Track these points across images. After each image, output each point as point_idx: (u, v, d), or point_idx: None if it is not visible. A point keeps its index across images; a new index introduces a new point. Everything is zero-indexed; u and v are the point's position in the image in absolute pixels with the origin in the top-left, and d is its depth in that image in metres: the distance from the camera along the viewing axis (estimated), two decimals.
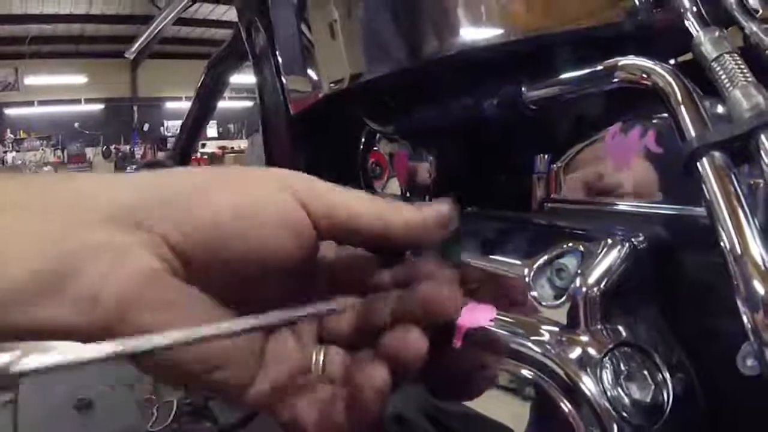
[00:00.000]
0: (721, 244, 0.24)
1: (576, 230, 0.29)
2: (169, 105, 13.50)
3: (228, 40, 0.70)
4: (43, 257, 0.18)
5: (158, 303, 0.18)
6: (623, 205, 0.33)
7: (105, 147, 12.44)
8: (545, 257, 0.27)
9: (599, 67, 0.32)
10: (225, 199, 0.19)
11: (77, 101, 11.60)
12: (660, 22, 0.34)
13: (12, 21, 9.08)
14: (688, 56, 0.32)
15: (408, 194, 0.46)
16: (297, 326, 0.21)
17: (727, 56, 0.29)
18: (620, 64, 0.31)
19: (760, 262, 0.23)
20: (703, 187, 0.25)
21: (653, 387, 0.25)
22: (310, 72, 0.45)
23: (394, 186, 0.48)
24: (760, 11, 0.34)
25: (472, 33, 0.36)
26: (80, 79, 11.07)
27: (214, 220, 0.19)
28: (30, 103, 11.15)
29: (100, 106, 11.78)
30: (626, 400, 0.25)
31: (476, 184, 0.43)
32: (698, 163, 0.25)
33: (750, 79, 0.28)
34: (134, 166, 12.19)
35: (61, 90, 11.29)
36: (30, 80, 10.81)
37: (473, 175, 0.43)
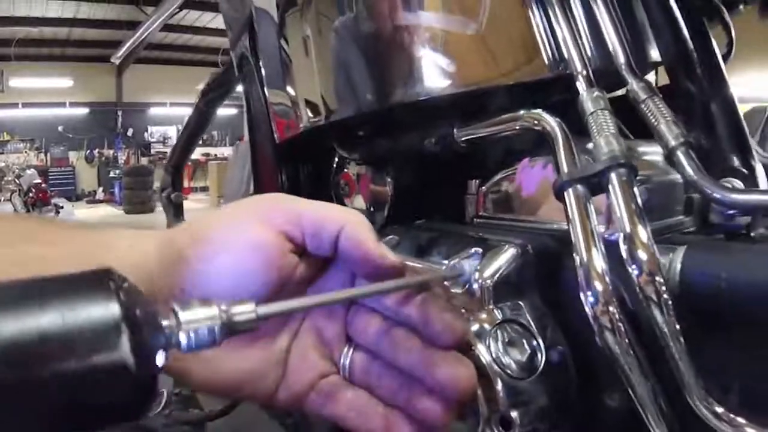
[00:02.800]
0: (574, 253, 0.34)
1: (486, 239, 0.40)
2: (154, 110, 13.50)
3: (222, 69, 0.79)
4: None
5: None
6: (526, 221, 0.44)
7: (88, 151, 12.41)
8: (456, 259, 0.38)
9: (508, 115, 0.42)
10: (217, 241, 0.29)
11: (62, 104, 11.59)
12: (564, 77, 0.45)
13: None
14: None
15: (371, 209, 0.56)
16: (323, 330, 0.31)
17: (599, 112, 0.40)
18: (521, 113, 0.41)
19: (599, 269, 0.33)
20: (567, 210, 0.35)
21: (529, 351, 0.35)
22: (294, 108, 0.55)
23: (360, 202, 0.58)
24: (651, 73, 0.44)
25: (427, 86, 0.46)
26: (66, 82, 11.07)
27: (209, 256, 0.28)
28: (14, 105, 11.12)
29: (84, 110, 11.76)
30: (508, 360, 0.35)
31: (424, 201, 0.53)
32: (565, 192, 0.36)
33: (612, 131, 0.38)
34: (117, 171, 12.09)
35: (46, 93, 11.27)
36: (15, 82, 10.79)
37: (422, 195, 0.53)
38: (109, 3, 9.11)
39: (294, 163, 0.60)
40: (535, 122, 0.40)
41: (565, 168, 0.37)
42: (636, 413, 0.32)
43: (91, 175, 12.54)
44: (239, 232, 0.29)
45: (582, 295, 0.33)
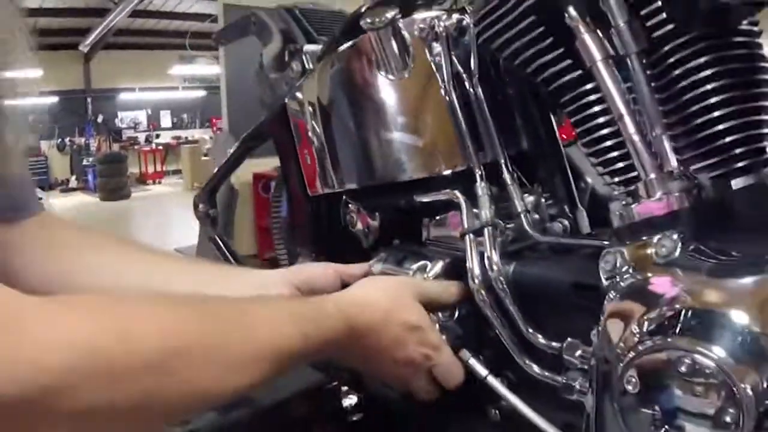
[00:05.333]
0: (467, 264, 0.74)
1: (429, 255, 0.80)
2: (123, 96, 13.57)
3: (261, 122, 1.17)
4: None
5: None
6: (450, 244, 0.84)
7: (60, 139, 12.49)
8: (417, 266, 0.78)
9: (441, 192, 0.82)
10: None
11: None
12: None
13: None
14: None
15: (366, 234, 0.96)
16: None
17: (484, 195, 0.80)
18: (446, 191, 0.81)
19: (478, 273, 0.73)
20: (466, 245, 0.75)
21: (457, 313, 0.76)
22: (317, 177, 0.95)
23: (360, 227, 0.98)
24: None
25: (396, 170, 0.86)
26: (35, 72, 11.05)
27: None
28: None
29: (54, 99, 11.81)
30: (444, 320, 0.75)
31: (399, 230, 0.93)
32: (465, 236, 0.76)
33: (488, 206, 0.78)
34: (90, 158, 12.06)
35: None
36: None
37: (397, 226, 0.93)
38: None
39: (317, 202, 1.01)
40: (454, 197, 0.80)
41: (465, 224, 0.77)
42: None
43: (63, 163, 12.63)
44: None
45: (471, 284, 0.73)
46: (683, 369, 0.50)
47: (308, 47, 1.02)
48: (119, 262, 0.75)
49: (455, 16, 0.80)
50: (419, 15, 0.82)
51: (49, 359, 0.35)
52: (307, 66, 1.00)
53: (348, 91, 0.89)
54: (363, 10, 0.88)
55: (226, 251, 1.36)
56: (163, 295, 0.66)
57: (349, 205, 0.96)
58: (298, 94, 0.97)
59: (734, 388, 0.48)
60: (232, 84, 4.73)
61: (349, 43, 0.87)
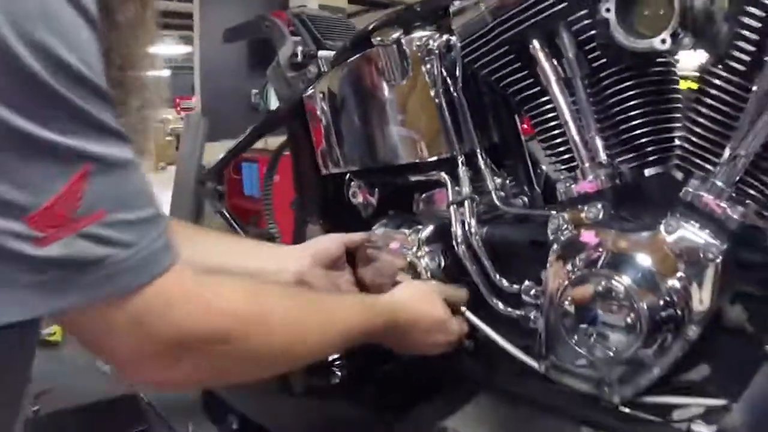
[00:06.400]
0: (452, 228, 0.98)
1: (421, 221, 1.04)
2: None
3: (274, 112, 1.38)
4: None
5: None
6: (438, 213, 1.08)
7: None
8: (411, 229, 1.02)
9: (431, 173, 1.06)
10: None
11: None
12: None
13: None
14: None
15: (366, 206, 1.19)
16: None
17: (465, 178, 1.04)
18: (433, 173, 1.05)
19: (460, 233, 0.98)
20: (450, 213, 1.00)
21: (441, 260, 1.00)
22: (328, 159, 1.18)
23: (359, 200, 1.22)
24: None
25: (394, 156, 1.09)
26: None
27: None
28: None
29: None
30: (432, 264, 1.00)
31: (395, 203, 1.17)
32: (450, 207, 1.00)
33: (468, 187, 1.03)
34: None
35: None
36: None
37: (393, 199, 1.17)
38: None
39: (325, 180, 1.24)
40: (441, 177, 1.04)
41: (450, 198, 1.01)
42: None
43: None
44: None
45: (454, 242, 0.98)
46: (602, 292, 0.75)
47: (322, 53, 1.24)
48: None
49: (445, 37, 1.03)
50: (417, 34, 1.05)
51: (228, 312, 0.55)
52: (321, 69, 1.22)
53: (357, 91, 1.12)
54: (370, 27, 1.11)
55: (233, 223, 1.58)
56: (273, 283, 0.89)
57: (353, 183, 1.20)
58: (315, 92, 1.20)
59: (635, 305, 0.73)
60: (206, 65, 4.81)
61: (360, 54, 1.10)
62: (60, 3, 0.40)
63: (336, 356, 1.09)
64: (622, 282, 0.74)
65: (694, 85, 0.80)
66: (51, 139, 0.39)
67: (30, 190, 0.40)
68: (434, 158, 1.07)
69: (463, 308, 0.95)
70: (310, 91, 1.21)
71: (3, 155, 0.38)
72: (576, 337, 0.80)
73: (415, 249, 1.03)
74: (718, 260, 0.72)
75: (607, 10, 0.74)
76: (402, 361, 1.04)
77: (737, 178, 0.73)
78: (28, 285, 0.41)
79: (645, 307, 0.73)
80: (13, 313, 0.42)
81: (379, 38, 1.02)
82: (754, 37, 0.70)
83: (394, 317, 0.82)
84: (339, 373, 1.12)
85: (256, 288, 0.64)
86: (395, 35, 1.01)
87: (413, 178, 1.11)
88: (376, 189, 1.18)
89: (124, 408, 1.13)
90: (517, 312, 0.94)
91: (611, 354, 0.75)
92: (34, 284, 0.41)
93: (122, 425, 1.06)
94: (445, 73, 1.03)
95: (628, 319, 0.74)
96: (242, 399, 1.08)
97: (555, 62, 0.86)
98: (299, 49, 1.30)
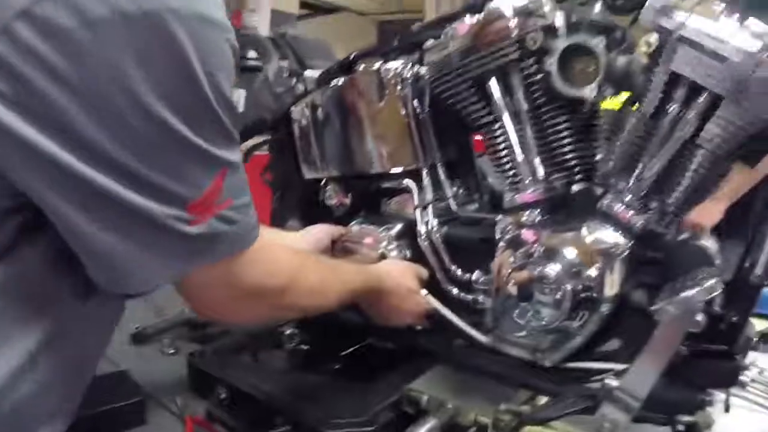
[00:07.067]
0: (418, 227, 1.20)
1: (390, 222, 1.25)
2: None
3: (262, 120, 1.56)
4: None
5: None
6: (403, 216, 1.30)
7: None
8: (383, 227, 1.23)
9: (396, 181, 1.27)
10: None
11: None
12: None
13: None
14: None
15: (340, 207, 1.39)
16: None
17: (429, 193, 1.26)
18: (403, 181, 1.26)
19: (423, 230, 1.19)
20: (416, 216, 1.21)
21: (406, 256, 1.21)
22: (310, 165, 1.38)
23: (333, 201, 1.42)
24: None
25: (368, 165, 1.30)
26: None
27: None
28: None
29: None
30: (399, 257, 1.21)
31: (365, 205, 1.38)
32: (416, 210, 1.22)
33: (429, 197, 1.25)
34: None
35: None
36: None
37: (365, 203, 1.38)
38: None
39: (305, 184, 1.43)
40: (408, 185, 1.25)
41: (416, 202, 1.22)
42: None
43: None
44: None
45: (418, 238, 1.19)
46: (537, 277, 0.98)
47: (308, 73, 1.43)
48: None
49: (417, 68, 1.25)
50: (392, 64, 1.26)
51: (285, 273, 0.78)
52: (307, 87, 1.42)
53: (339, 109, 1.33)
54: (352, 56, 1.31)
55: None
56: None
57: (329, 187, 1.40)
58: (302, 107, 1.39)
59: (562, 287, 0.96)
60: None
61: (344, 78, 1.30)
62: (226, 45, 0.54)
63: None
64: (553, 269, 0.97)
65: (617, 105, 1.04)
66: (206, 148, 0.56)
67: (188, 185, 0.56)
68: (402, 168, 1.28)
69: (424, 292, 1.16)
70: (297, 106, 1.41)
71: (173, 157, 0.55)
72: (516, 312, 1.02)
73: (385, 243, 1.24)
74: (625, 255, 0.96)
75: (551, 64, 0.98)
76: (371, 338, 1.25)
77: (642, 193, 0.97)
78: (180, 254, 0.59)
79: (569, 288, 0.96)
80: (164, 277, 0.60)
81: (362, 67, 1.23)
82: (661, 89, 0.94)
83: (380, 282, 1.05)
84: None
85: (300, 256, 0.86)
86: (376, 65, 1.22)
87: (383, 185, 1.32)
88: (350, 193, 1.38)
89: (119, 382, 1.27)
90: (469, 296, 1.16)
91: (543, 324, 0.98)
92: (184, 253, 0.59)
93: (118, 398, 1.19)
94: (415, 99, 1.25)
95: (557, 298, 0.97)
96: (230, 372, 1.25)
97: (507, 98, 1.09)
98: (284, 66, 1.49)
